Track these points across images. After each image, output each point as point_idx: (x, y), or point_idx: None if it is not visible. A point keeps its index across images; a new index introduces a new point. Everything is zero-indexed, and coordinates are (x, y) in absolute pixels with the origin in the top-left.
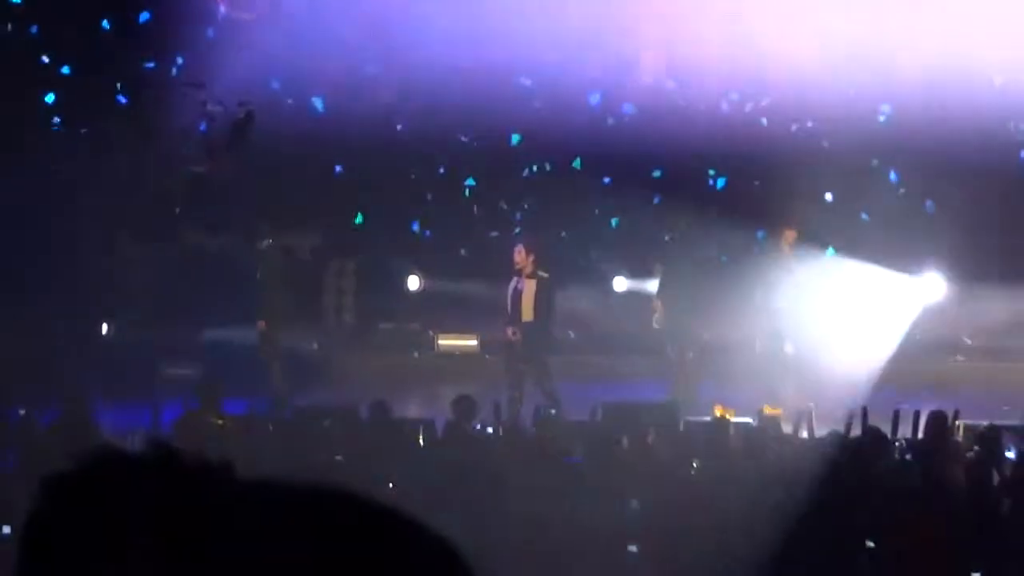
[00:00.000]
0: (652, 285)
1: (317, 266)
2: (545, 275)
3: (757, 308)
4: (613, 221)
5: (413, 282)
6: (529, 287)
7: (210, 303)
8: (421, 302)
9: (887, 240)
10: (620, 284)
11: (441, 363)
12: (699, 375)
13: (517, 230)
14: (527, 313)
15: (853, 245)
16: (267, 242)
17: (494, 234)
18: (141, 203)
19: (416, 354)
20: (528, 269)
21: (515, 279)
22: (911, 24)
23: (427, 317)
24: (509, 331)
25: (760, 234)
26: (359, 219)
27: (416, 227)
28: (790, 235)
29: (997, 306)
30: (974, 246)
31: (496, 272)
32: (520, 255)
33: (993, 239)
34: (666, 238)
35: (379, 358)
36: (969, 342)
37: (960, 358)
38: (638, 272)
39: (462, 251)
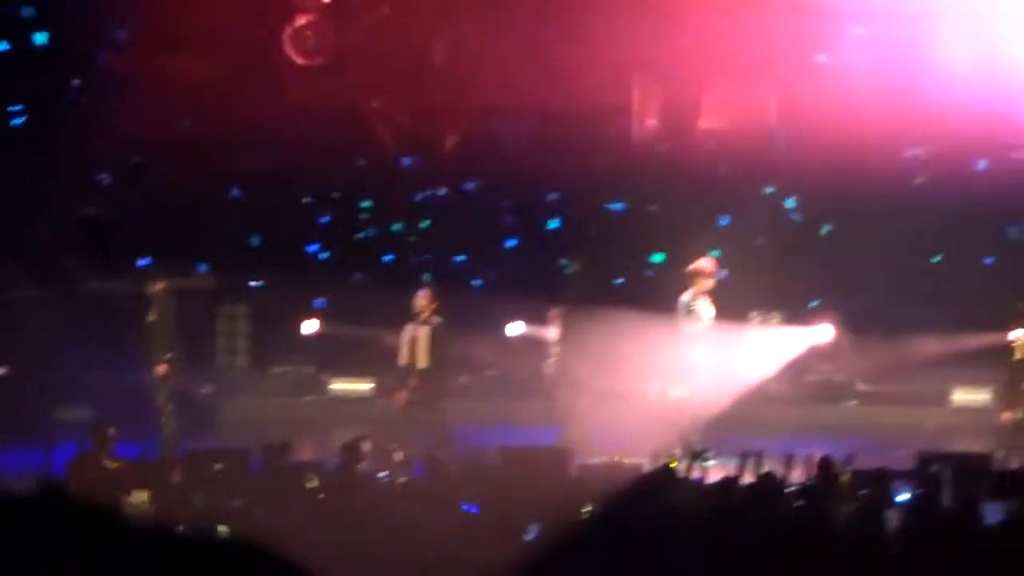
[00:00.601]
0: (546, 330)
1: (211, 309)
2: (440, 321)
3: (652, 353)
4: (510, 242)
5: (310, 325)
6: (425, 333)
7: (104, 346)
8: (316, 345)
9: (782, 264)
10: (514, 329)
11: (335, 407)
12: (592, 420)
13: (412, 256)
14: (422, 359)
15: (748, 269)
16: (160, 285)
17: (389, 257)
18: (35, 242)
19: (309, 397)
20: (426, 314)
21: (411, 325)
22: (807, 51)
23: (322, 360)
24: (409, 381)
25: (656, 258)
26: (255, 241)
27: (313, 249)
28: (703, 283)
29: (890, 350)
30: (866, 286)
31: (392, 316)
32: (424, 299)
33: (889, 279)
34: (562, 262)
35: (272, 401)
36: (862, 387)
37: (853, 402)
38: (532, 317)
39: (357, 275)
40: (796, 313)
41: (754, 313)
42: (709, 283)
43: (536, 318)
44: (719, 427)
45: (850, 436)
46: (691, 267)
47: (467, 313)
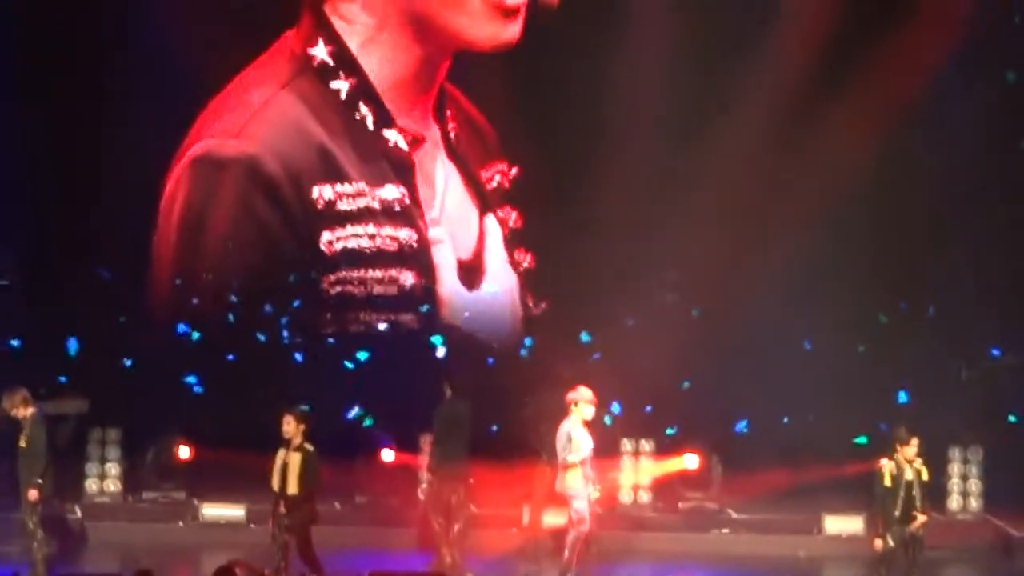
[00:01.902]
0: (419, 457)
1: (81, 433)
2: (311, 449)
3: (526, 481)
4: (381, 325)
5: (183, 452)
6: (294, 460)
7: None
8: (188, 470)
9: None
10: (388, 455)
11: (207, 532)
12: (466, 546)
13: (285, 335)
14: (292, 486)
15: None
16: (30, 409)
17: (262, 337)
18: None
19: (181, 523)
20: (296, 441)
21: (283, 451)
22: None
23: (193, 486)
24: (281, 506)
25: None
26: (123, 320)
27: (184, 329)
28: (583, 411)
29: (759, 479)
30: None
31: (265, 441)
32: (289, 425)
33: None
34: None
35: (144, 527)
36: (734, 515)
37: (725, 530)
38: (405, 442)
39: (230, 356)
40: (666, 440)
41: (626, 441)
42: (589, 411)
43: (408, 444)
44: (591, 555)
45: (722, 564)
46: (570, 395)
47: (340, 437)
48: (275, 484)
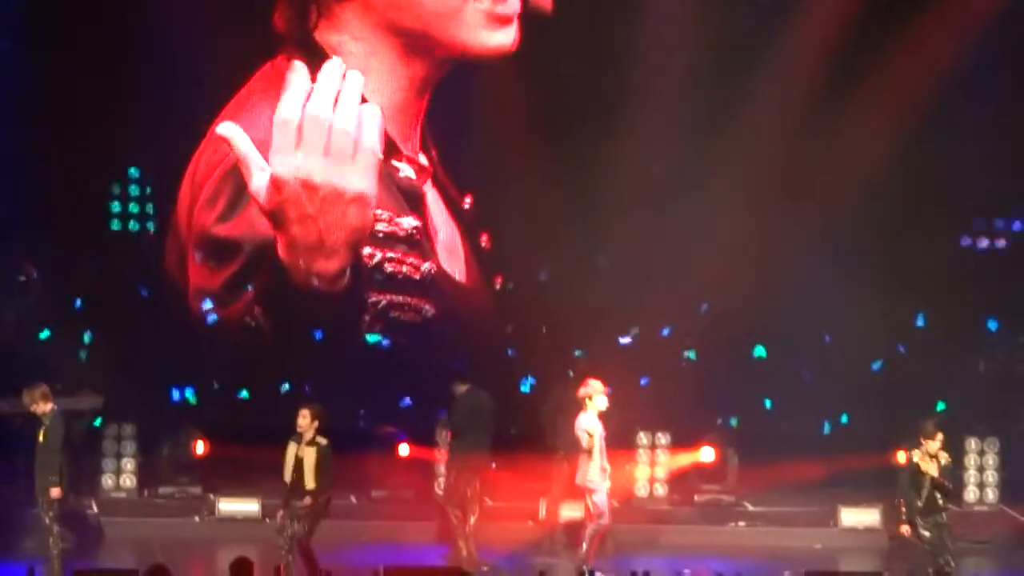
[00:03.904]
0: (435, 451)
1: (97, 429)
2: (324, 442)
3: (542, 474)
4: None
5: (198, 447)
6: (309, 454)
7: None
8: (203, 465)
9: None
10: (403, 450)
11: (222, 527)
12: (482, 539)
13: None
14: (308, 480)
15: None
16: (48, 404)
17: (285, 389)
18: None
19: (197, 518)
20: (309, 435)
21: (293, 444)
22: None
23: (209, 481)
24: (297, 499)
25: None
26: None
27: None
28: (596, 404)
29: (775, 471)
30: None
31: (279, 435)
32: (304, 419)
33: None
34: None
35: (160, 522)
36: (750, 507)
37: (742, 523)
38: (422, 437)
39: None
40: (683, 433)
41: (642, 434)
42: (602, 402)
43: (425, 438)
44: (608, 548)
45: (739, 557)
46: (583, 390)
47: (355, 433)
48: (287, 477)
